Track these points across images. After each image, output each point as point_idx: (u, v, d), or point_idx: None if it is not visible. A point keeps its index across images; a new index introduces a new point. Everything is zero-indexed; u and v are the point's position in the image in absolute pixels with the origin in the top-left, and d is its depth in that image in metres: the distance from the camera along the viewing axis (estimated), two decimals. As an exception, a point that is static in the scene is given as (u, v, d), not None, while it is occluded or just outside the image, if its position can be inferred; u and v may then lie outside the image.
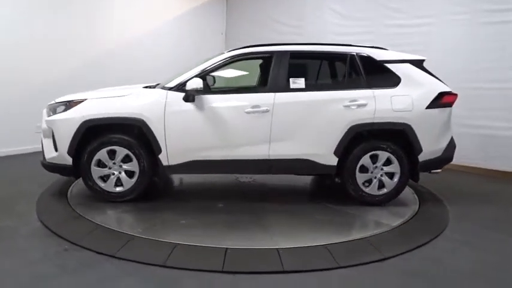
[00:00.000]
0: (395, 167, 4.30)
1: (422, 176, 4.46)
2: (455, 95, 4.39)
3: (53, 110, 4.21)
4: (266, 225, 3.79)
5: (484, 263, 3.27)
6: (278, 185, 5.17)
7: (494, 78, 5.99)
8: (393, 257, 3.27)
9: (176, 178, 5.34)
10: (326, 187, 5.20)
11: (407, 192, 4.82)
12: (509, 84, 5.90)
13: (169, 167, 4.19)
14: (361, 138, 4.31)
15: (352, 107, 4.20)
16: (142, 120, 4.04)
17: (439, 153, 4.39)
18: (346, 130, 4.19)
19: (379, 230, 3.76)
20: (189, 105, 4.10)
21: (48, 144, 4.22)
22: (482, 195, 5.19)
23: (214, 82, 4.73)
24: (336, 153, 4.23)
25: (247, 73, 5.20)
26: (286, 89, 4.22)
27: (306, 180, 5.31)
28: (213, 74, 4.46)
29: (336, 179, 4.46)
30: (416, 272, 3.07)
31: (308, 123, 4.20)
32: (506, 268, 3.22)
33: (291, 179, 5.07)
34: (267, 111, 4.13)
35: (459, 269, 3.14)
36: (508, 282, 3.03)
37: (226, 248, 3.24)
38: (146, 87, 4.44)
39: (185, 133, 4.14)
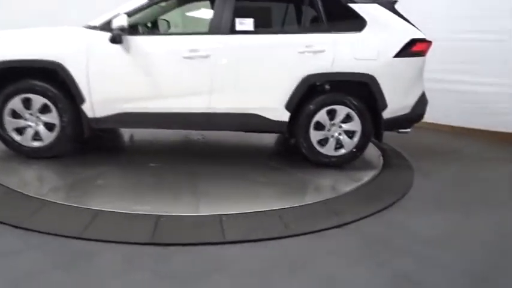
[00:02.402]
0: (355, 125, 3.76)
1: (389, 134, 3.93)
2: (429, 42, 3.79)
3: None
4: (208, 190, 3.28)
5: (450, 226, 2.90)
6: (231, 144, 4.64)
7: (473, 29, 5.32)
8: (353, 222, 2.86)
9: (127, 134, 4.82)
10: (286, 148, 4.67)
11: (371, 153, 4.31)
12: (490, 36, 5.22)
13: (95, 119, 3.64)
14: (317, 91, 3.75)
15: (308, 54, 3.61)
16: (59, 64, 3.44)
17: (408, 110, 3.84)
18: (299, 81, 3.62)
19: (336, 193, 3.33)
20: (117, 48, 3.49)
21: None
22: (449, 153, 4.74)
23: (156, 25, 4.12)
24: (287, 107, 3.67)
25: (197, 16, 4.56)
26: (231, 31, 3.60)
27: (268, 139, 4.76)
28: (159, 16, 3.86)
29: (292, 140, 3.91)
30: (378, 238, 2.68)
31: (256, 72, 3.63)
32: (472, 231, 2.86)
33: (249, 138, 4.51)
34: (207, 56, 3.54)
35: (424, 234, 2.76)
36: (472, 245, 2.66)
37: (158, 216, 2.74)
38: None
39: (112, 80, 3.56)
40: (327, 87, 3.74)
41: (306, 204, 3.09)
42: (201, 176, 3.54)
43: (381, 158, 4.26)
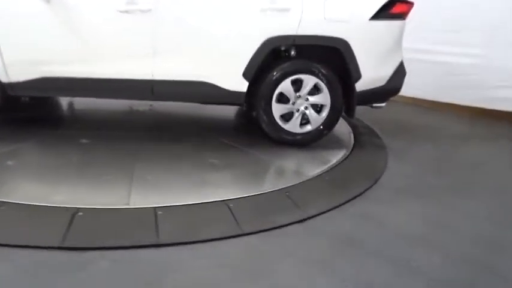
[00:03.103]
0: (324, 98, 3.24)
1: (361, 108, 3.44)
2: (411, 3, 3.28)
3: None
4: (145, 174, 2.69)
5: (430, 220, 2.46)
6: (183, 117, 4.05)
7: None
8: (317, 215, 2.37)
9: (65, 102, 4.16)
10: (245, 123, 4.12)
11: (340, 130, 3.83)
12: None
13: (10, 85, 2.98)
14: (280, 57, 3.20)
15: (271, 12, 3.03)
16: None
17: (383, 82, 3.35)
18: (260, 44, 3.05)
19: (300, 179, 2.82)
20: (34, -3, 2.81)
21: None
22: (424, 130, 4.30)
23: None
24: (245, 75, 3.11)
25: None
26: (178, -21, 2.98)
27: (226, 112, 4.16)
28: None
29: (253, 113, 3.36)
30: (347, 237, 2.21)
31: (208, 32, 3.04)
32: (452, 225, 2.43)
33: (205, 109, 3.92)
34: (148, 10, 2.90)
35: (399, 231, 2.30)
36: (454, 242, 2.25)
37: (76, 209, 2.16)
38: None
39: (29, 38, 2.89)
40: (293, 52, 3.21)
41: (263, 193, 2.58)
42: (139, 156, 2.96)
43: (352, 136, 3.78)
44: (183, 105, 3.80)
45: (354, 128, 3.98)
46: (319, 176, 2.90)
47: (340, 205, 2.51)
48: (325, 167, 3.04)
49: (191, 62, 3.06)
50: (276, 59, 3.23)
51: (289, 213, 2.36)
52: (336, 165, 3.09)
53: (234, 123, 4.24)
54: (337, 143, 3.56)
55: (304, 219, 2.32)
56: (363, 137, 3.80)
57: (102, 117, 3.89)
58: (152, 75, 3.03)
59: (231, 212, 2.31)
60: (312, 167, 3.05)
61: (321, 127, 3.30)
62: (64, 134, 3.33)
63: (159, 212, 2.23)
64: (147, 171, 2.73)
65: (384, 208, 2.55)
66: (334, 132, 3.50)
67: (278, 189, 2.64)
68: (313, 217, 2.35)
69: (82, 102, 4.09)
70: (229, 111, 4.18)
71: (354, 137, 3.74)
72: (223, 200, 2.41)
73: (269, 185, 2.79)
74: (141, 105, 4.06)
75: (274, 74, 3.15)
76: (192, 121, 3.97)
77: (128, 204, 2.32)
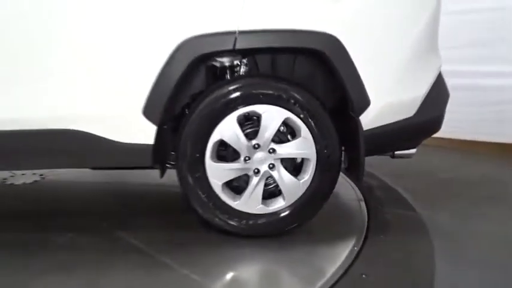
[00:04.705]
0: (304, 145, 1.73)
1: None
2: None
3: None
4: None
5: None
6: (88, 192, 2.54)
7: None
8: None
9: None
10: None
11: (343, 196, 2.28)
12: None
13: None
14: (215, 75, 1.76)
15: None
16: None
17: (411, 112, 1.82)
18: (169, 53, 1.60)
19: None
20: None
21: None
22: (479, 188, 2.59)
23: None
24: (148, 112, 1.63)
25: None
26: None
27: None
28: None
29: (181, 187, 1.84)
30: None
31: (64, 39, 1.60)
32: None
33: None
34: None
35: None
36: None
37: None
38: None
39: None
40: (241, 68, 1.77)
41: None
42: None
43: (363, 206, 2.21)
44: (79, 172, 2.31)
45: (365, 190, 2.41)
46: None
47: None
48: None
49: (40, 96, 1.60)
50: (209, 77, 1.79)
51: None
52: (335, 284, 1.50)
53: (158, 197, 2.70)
54: (337, 225, 2.00)
55: None
56: (383, 208, 2.23)
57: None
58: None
59: None
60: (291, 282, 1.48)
61: (301, 204, 1.76)
62: None
63: None
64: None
65: None
66: (331, 202, 1.93)
67: None
68: None
69: None
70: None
71: (367, 210, 2.16)
72: None
73: None
74: (19, 177, 2.55)
75: (203, 106, 1.67)
76: (87, 197, 2.43)
77: None
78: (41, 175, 2.56)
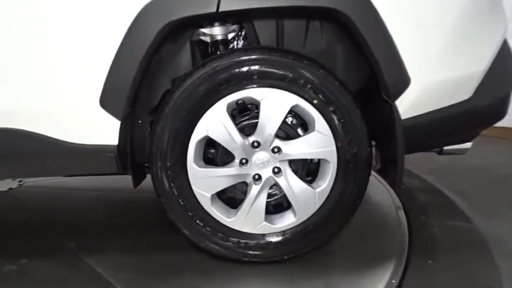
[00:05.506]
0: (319, 142, 1.27)
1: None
2: None
3: None
4: None
5: None
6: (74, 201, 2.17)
7: None
8: None
9: None
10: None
11: (377, 202, 1.81)
12: None
13: None
14: (207, 54, 1.36)
15: None
16: None
17: (468, 93, 1.33)
18: (132, 19, 1.17)
19: None
20: None
21: None
22: None
23: None
24: (108, 101, 1.22)
25: None
26: None
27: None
28: None
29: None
30: None
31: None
32: None
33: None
34: None
35: None
36: None
37: None
38: None
39: None
40: (235, 35, 1.36)
41: None
42: None
43: (402, 216, 1.74)
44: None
45: (404, 195, 1.93)
46: None
47: None
48: None
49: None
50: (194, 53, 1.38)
51: None
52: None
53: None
54: (367, 245, 1.54)
55: None
56: (428, 220, 1.75)
57: None
58: None
59: None
60: None
61: (321, 217, 1.31)
62: None
63: None
64: None
65: None
66: (359, 212, 1.46)
67: None
68: None
69: None
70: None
71: (408, 222, 1.69)
72: None
73: None
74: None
75: (181, 92, 1.24)
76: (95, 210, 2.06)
77: None
78: (20, 181, 2.21)
